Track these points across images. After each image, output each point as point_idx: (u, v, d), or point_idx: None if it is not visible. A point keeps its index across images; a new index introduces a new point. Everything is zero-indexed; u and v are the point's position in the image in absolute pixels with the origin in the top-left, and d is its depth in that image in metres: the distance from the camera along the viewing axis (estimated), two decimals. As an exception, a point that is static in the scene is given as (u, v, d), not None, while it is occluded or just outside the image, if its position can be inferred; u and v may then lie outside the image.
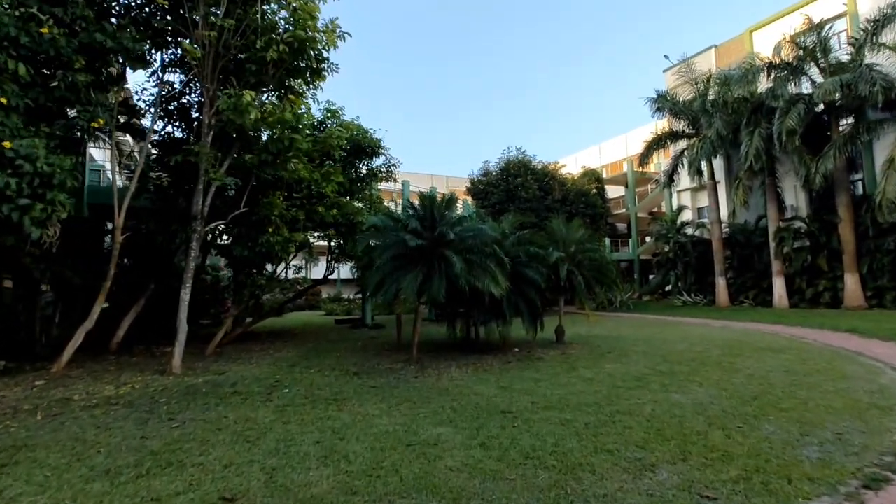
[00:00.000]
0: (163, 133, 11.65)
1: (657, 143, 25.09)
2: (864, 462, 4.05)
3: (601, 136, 59.66)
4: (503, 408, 5.96)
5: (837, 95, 18.05)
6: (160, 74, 10.27)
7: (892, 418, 5.22)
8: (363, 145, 13.41)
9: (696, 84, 23.96)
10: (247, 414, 5.93)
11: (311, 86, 10.35)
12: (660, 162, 34.56)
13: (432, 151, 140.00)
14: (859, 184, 21.13)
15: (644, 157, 25.64)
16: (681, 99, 24.47)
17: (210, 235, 11.60)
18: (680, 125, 24.86)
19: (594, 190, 37.03)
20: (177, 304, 9.01)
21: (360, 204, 13.86)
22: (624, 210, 37.51)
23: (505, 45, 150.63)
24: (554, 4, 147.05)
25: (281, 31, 9.08)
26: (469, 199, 25.18)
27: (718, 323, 16.01)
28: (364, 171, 14.30)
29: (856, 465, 3.97)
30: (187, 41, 9.21)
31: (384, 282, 8.23)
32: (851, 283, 18.70)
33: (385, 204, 17.01)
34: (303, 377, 8.22)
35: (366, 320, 17.44)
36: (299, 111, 10.12)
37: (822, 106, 19.47)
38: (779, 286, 20.91)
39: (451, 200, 9.18)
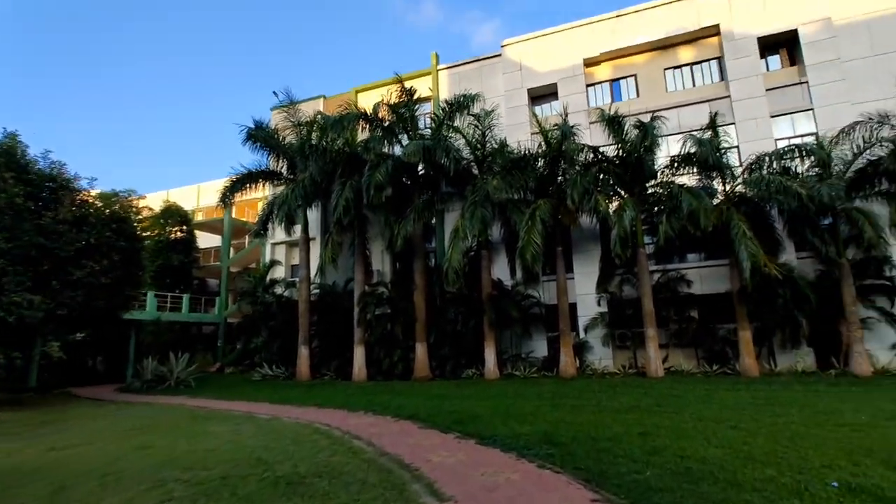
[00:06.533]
0: None
1: (246, 180, 20.67)
2: None
3: (205, 177, 51.68)
4: None
5: (420, 159, 17.85)
6: None
7: None
8: None
9: (301, 127, 21.25)
10: None
11: None
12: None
13: None
14: (436, 255, 22.00)
15: (226, 196, 20.60)
16: (286, 140, 21.27)
17: None
18: (279, 165, 21.42)
19: (179, 233, 29.73)
20: None
21: None
22: (219, 263, 31.34)
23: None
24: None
25: None
26: None
27: (269, 411, 11.52)
28: None
29: None
30: None
31: None
32: (420, 353, 18.03)
33: None
34: None
35: None
36: None
37: (406, 179, 19.52)
38: (359, 356, 18.78)
39: None
